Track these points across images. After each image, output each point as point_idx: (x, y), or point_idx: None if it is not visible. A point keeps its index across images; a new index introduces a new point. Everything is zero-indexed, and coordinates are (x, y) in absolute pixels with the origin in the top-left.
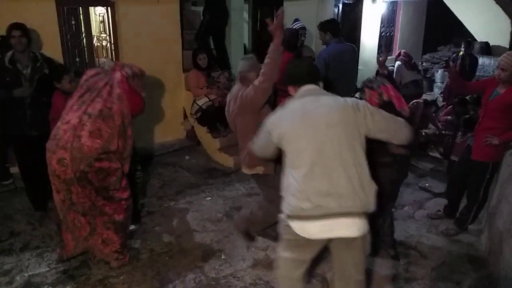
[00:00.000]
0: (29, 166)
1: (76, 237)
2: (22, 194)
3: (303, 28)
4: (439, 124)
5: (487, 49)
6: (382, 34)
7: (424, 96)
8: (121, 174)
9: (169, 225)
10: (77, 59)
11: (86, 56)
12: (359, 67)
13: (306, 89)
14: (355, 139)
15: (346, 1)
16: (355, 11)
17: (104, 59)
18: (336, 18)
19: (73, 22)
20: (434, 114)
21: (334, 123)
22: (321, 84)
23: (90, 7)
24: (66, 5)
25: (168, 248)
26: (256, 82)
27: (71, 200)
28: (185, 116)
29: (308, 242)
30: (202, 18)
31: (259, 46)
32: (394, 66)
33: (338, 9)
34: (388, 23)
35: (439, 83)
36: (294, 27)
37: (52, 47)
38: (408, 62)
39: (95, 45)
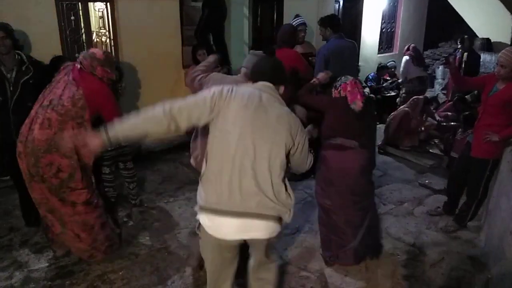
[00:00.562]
0: (18, 176)
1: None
2: None
3: (303, 24)
4: (438, 119)
5: (488, 45)
6: (383, 30)
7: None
8: (75, 172)
9: (169, 221)
10: (76, 55)
11: None
12: (359, 63)
13: (266, 86)
14: (279, 151)
15: None
16: (356, 7)
17: None
18: (336, 14)
19: (72, 18)
20: (435, 111)
21: (265, 123)
22: (281, 88)
23: (89, 3)
24: (65, 1)
25: (167, 243)
26: None
27: (35, 197)
28: None
29: (219, 242)
30: (201, 13)
31: (259, 41)
32: (393, 62)
33: (339, 5)
34: (389, 19)
35: (440, 80)
36: (294, 23)
37: (51, 43)
38: (416, 57)
39: (95, 40)
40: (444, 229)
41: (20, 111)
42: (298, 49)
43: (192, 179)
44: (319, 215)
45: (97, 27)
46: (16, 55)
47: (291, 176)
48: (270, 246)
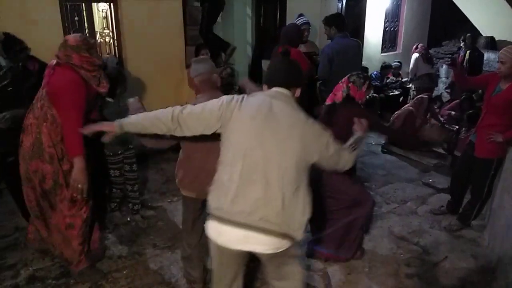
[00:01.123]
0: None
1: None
2: None
3: (307, 24)
4: (441, 118)
5: (492, 43)
6: (386, 29)
7: None
8: (58, 177)
9: (172, 220)
10: None
11: None
12: (363, 62)
13: (275, 91)
14: (302, 163)
15: None
16: (359, 6)
17: (107, 55)
18: (340, 12)
19: (76, 18)
20: (438, 110)
21: (290, 140)
22: (297, 91)
23: (93, 3)
24: (69, 1)
25: (171, 242)
26: None
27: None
28: None
29: (221, 249)
30: (202, 9)
31: (262, 41)
32: (397, 63)
33: (342, 4)
34: (392, 18)
35: (443, 78)
36: (297, 22)
37: (55, 44)
38: (425, 55)
39: (98, 41)
40: (447, 228)
41: None
42: (302, 48)
43: None
44: None
45: (100, 27)
46: None
47: None
48: (282, 261)
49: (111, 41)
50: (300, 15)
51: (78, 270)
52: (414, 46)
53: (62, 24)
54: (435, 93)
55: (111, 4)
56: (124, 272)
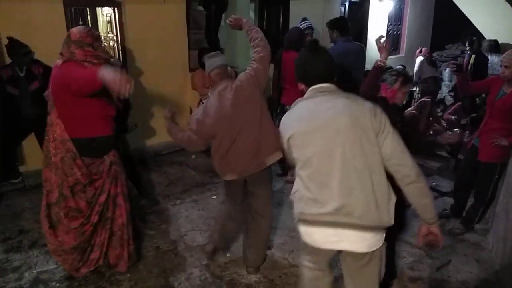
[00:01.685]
0: None
1: None
2: (31, 193)
3: (310, 28)
4: (444, 123)
5: (496, 47)
6: (389, 32)
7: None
8: (61, 191)
9: (175, 223)
10: None
11: None
12: (366, 66)
13: (318, 88)
14: (370, 143)
15: (352, 0)
16: (362, 10)
17: (112, 59)
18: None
19: (80, 23)
20: (442, 113)
21: (346, 128)
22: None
23: (97, 8)
24: (74, 6)
25: (174, 245)
26: (255, 55)
27: None
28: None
29: (316, 248)
30: (207, 12)
31: None
32: (401, 66)
33: (345, 8)
34: (395, 21)
35: (447, 82)
36: (301, 26)
37: (59, 47)
38: (429, 58)
39: (103, 45)
40: (451, 232)
41: None
42: None
43: (199, 182)
44: None
45: (105, 31)
46: None
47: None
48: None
49: (115, 45)
50: (304, 19)
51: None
52: (418, 50)
53: (66, 28)
54: (439, 96)
55: (115, 8)
56: (128, 275)
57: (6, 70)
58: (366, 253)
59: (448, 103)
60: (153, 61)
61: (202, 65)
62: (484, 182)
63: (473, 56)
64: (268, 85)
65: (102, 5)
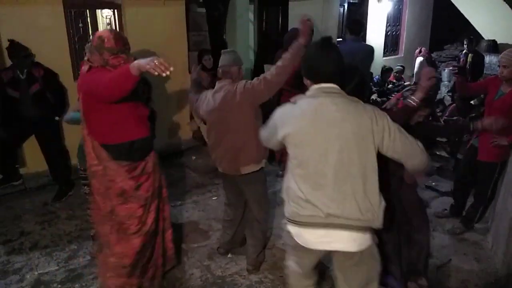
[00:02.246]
0: None
1: None
2: (32, 195)
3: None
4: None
5: (494, 47)
6: (388, 33)
7: None
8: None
9: (176, 224)
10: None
11: None
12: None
13: (323, 88)
14: (367, 151)
15: (351, 1)
16: (360, 10)
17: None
18: (341, 17)
19: (80, 25)
20: (441, 113)
21: (348, 134)
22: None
23: (97, 10)
24: (74, 8)
25: (175, 246)
26: (268, 75)
27: None
28: (191, 117)
29: (305, 249)
30: (215, 12)
31: (265, 46)
32: (400, 67)
33: (344, 9)
34: (394, 22)
35: (446, 82)
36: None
37: (60, 50)
38: (429, 59)
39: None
40: (451, 231)
41: None
42: None
43: (199, 183)
44: None
45: None
46: None
47: None
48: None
49: None
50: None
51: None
52: (418, 50)
53: (66, 30)
54: (438, 96)
55: (115, 10)
56: None
57: (7, 73)
58: (356, 252)
59: (447, 103)
60: None
61: (201, 67)
62: (484, 181)
63: (470, 55)
64: None
65: (102, 7)
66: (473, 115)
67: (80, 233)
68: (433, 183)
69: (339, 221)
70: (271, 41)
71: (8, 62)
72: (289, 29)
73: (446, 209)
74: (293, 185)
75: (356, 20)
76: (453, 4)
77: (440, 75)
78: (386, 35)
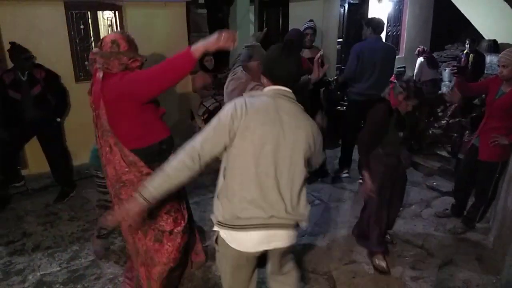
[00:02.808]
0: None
1: None
2: (33, 196)
3: (310, 28)
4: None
5: (495, 47)
6: (389, 34)
7: None
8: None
9: None
10: (86, 63)
11: None
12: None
13: (281, 90)
14: (302, 162)
15: (352, 1)
16: (361, 11)
17: None
18: (342, 18)
19: (81, 27)
20: (442, 113)
21: (299, 141)
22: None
23: (98, 11)
24: (75, 10)
25: None
26: None
27: None
28: (192, 118)
29: (244, 253)
30: (219, 14)
31: (265, 47)
32: (402, 68)
33: (344, 9)
34: (394, 22)
35: (446, 82)
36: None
37: (61, 51)
38: (430, 59)
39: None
40: (452, 231)
41: None
42: (306, 53)
43: (200, 184)
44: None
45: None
46: None
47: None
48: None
49: None
50: (310, 21)
51: None
52: (418, 49)
53: (68, 32)
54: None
55: (116, 12)
56: None
57: (9, 74)
58: (289, 246)
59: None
60: (153, 64)
61: (202, 68)
62: (485, 181)
63: (471, 55)
64: None
65: (103, 9)
66: (474, 115)
67: (82, 234)
68: (434, 183)
69: (279, 221)
70: (272, 41)
71: (10, 64)
72: (289, 30)
73: (447, 209)
74: (236, 185)
75: (379, 20)
76: (453, 4)
77: (441, 75)
78: (387, 36)
